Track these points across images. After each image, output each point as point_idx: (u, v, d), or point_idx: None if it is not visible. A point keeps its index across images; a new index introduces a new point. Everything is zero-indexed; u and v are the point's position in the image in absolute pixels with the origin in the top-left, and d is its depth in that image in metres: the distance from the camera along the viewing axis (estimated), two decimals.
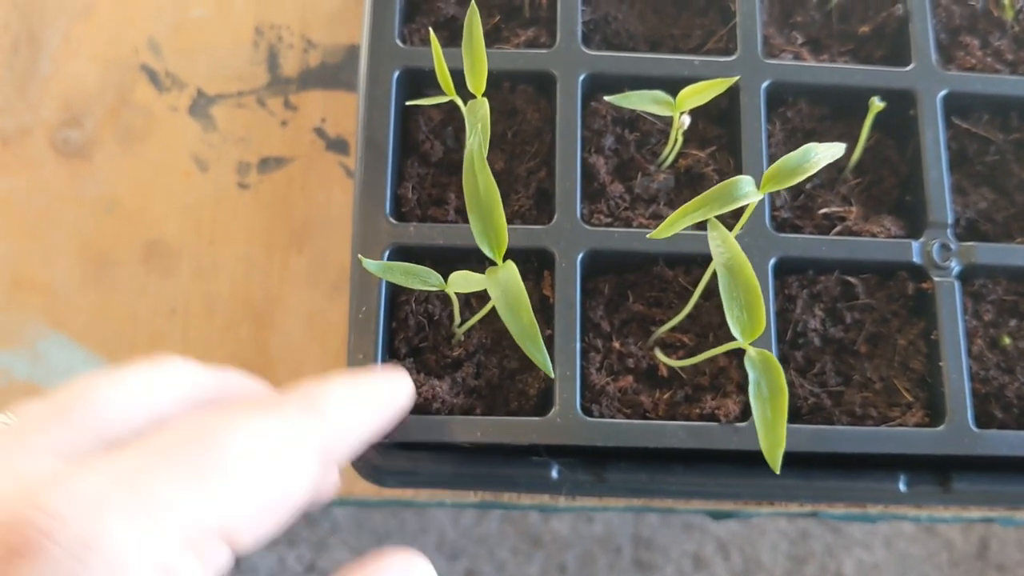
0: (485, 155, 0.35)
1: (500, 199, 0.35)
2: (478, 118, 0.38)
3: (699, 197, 0.35)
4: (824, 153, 0.35)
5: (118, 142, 0.59)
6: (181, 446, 0.25)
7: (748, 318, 0.33)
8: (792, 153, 0.35)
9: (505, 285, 0.36)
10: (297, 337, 0.56)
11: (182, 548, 0.23)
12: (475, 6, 0.39)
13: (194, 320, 0.56)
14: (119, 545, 0.22)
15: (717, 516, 0.52)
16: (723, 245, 0.34)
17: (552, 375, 0.39)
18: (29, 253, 0.56)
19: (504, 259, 0.37)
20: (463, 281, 0.40)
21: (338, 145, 0.60)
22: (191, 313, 0.56)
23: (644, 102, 0.41)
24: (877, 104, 0.44)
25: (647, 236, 0.37)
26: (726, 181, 0.35)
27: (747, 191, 0.35)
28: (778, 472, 0.34)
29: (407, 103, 0.44)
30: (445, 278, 0.40)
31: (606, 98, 0.42)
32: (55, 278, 0.56)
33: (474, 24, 0.39)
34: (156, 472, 0.24)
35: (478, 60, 0.39)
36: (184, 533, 0.23)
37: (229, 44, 0.62)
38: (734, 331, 0.34)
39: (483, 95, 0.40)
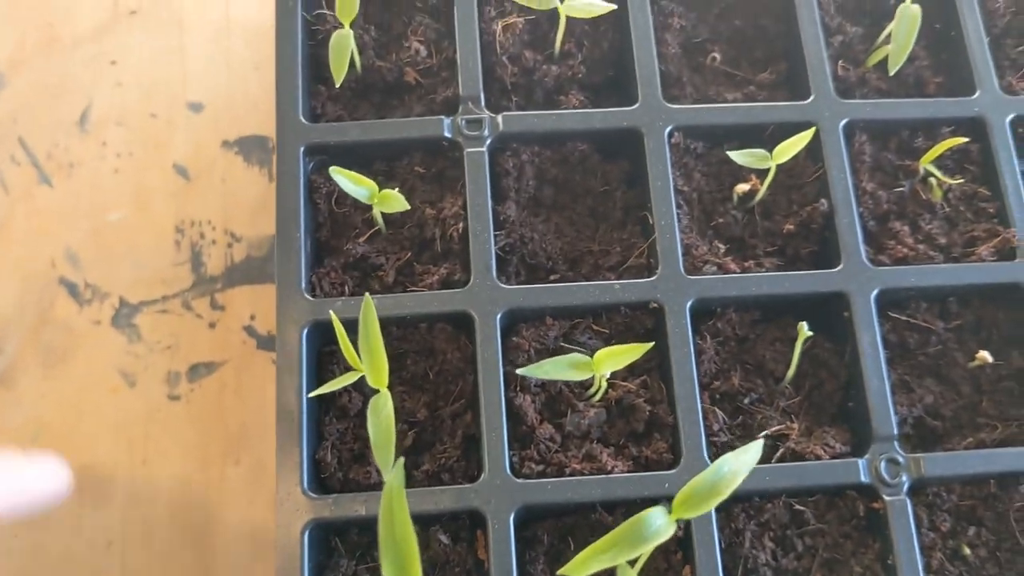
0: None
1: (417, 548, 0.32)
2: (382, 418, 0.36)
3: (607, 537, 0.33)
4: (737, 463, 0.33)
5: (41, 364, 0.57)
6: None
7: None
8: (704, 473, 0.33)
9: None
10: (242, 558, 0.54)
11: None
12: (369, 299, 0.37)
13: (132, 550, 0.54)
14: None
15: None
16: None
17: None
18: None
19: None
20: None
21: (269, 343, 0.57)
22: (129, 543, 0.54)
23: (560, 370, 0.39)
24: (805, 332, 0.42)
25: (558, 574, 0.34)
26: (634, 518, 0.33)
27: (657, 527, 0.32)
28: None
29: (314, 393, 0.42)
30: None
31: (518, 371, 0.40)
32: None
33: (370, 322, 0.37)
34: None
35: (377, 356, 0.37)
36: None
37: (150, 246, 0.60)
38: None
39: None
